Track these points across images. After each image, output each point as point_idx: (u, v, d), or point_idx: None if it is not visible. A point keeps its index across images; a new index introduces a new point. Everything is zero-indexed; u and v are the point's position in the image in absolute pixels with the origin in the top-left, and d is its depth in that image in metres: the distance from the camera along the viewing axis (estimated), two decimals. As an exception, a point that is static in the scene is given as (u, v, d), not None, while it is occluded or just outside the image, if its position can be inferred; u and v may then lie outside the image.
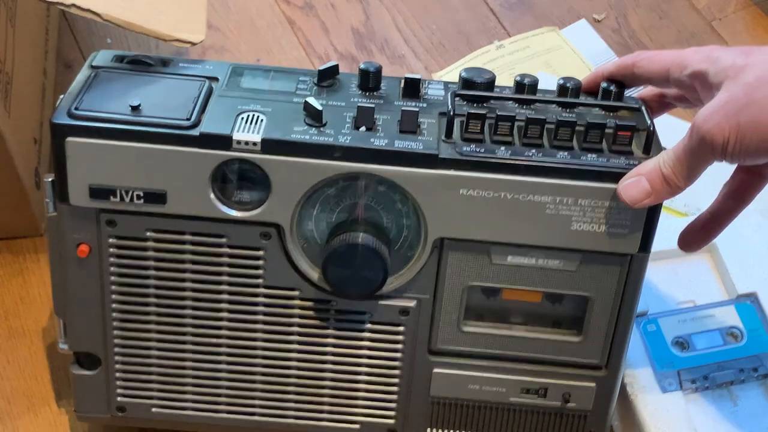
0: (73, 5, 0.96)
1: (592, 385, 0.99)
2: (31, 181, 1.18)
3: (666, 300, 1.12)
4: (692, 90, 0.89)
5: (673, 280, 1.12)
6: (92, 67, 0.95)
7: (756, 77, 0.81)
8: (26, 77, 1.22)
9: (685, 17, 1.54)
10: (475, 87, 0.93)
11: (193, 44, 1.04)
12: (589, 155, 0.89)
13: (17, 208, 1.19)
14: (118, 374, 1.00)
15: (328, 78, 0.95)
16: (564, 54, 1.43)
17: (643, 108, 0.92)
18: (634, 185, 0.86)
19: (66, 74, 1.39)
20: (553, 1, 1.54)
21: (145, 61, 0.96)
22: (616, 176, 0.88)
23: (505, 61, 1.42)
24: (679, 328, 1.09)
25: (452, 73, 1.41)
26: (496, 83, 0.94)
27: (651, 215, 0.90)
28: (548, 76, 1.38)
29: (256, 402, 1.01)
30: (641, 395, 1.04)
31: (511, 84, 0.95)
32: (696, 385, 1.05)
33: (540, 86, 0.95)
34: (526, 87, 0.93)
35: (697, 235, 0.98)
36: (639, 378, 1.04)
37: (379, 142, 0.88)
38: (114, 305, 0.96)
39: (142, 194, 0.90)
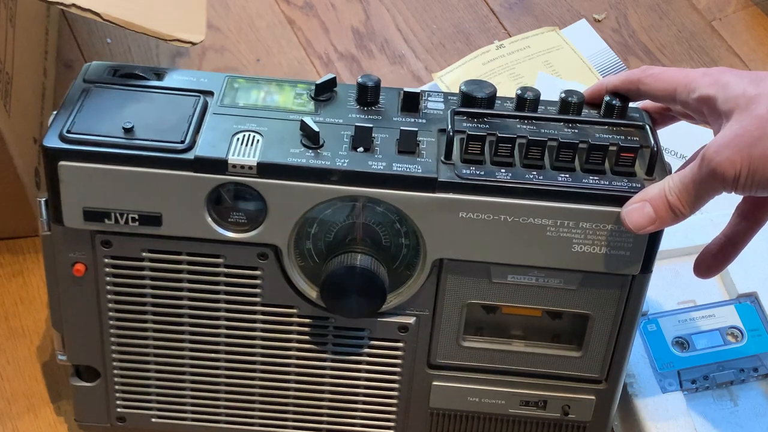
0: (73, 5, 0.96)
1: (592, 398, 0.99)
2: (31, 181, 1.18)
3: (666, 300, 1.11)
4: (699, 113, 0.88)
5: (673, 280, 1.12)
6: (85, 80, 0.94)
7: (767, 110, 0.80)
8: (26, 77, 1.22)
9: (685, 17, 1.54)
10: (475, 102, 0.92)
11: (193, 44, 1.04)
12: (591, 177, 0.88)
13: (17, 208, 1.19)
14: (117, 386, 1.00)
15: (325, 91, 0.94)
16: (564, 54, 1.43)
17: (648, 126, 0.91)
18: (638, 211, 0.85)
19: (66, 74, 1.38)
20: (553, 1, 1.54)
21: (138, 74, 0.94)
22: (618, 199, 0.87)
23: (505, 61, 1.42)
24: (679, 328, 1.09)
25: (452, 73, 1.41)
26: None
27: (653, 238, 0.89)
28: (548, 76, 1.38)
29: (255, 414, 1.01)
30: (641, 395, 1.04)
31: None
32: (696, 385, 1.05)
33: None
34: (527, 101, 0.92)
35: (714, 260, 0.97)
36: (639, 378, 1.05)
37: (377, 165, 0.87)
38: (111, 322, 0.96)
39: (137, 217, 0.89)
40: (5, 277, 1.20)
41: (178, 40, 1.02)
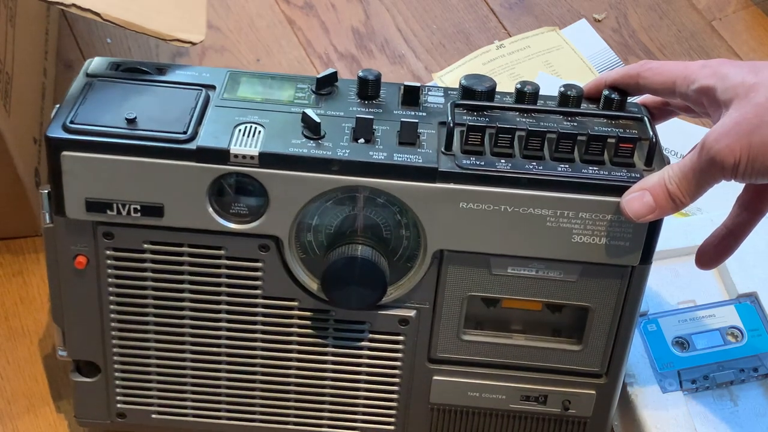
0: (73, 5, 0.96)
1: (592, 392, 0.98)
2: (31, 181, 1.18)
3: (666, 300, 1.11)
4: (699, 104, 0.88)
5: (673, 280, 1.12)
6: (87, 75, 0.94)
7: (766, 98, 0.81)
8: (26, 77, 1.22)
9: (685, 17, 1.54)
10: (475, 96, 0.92)
11: (193, 44, 1.04)
12: (591, 168, 0.88)
13: (17, 208, 1.19)
14: (117, 382, 1.00)
15: (326, 86, 0.94)
16: (564, 54, 1.43)
17: (646, 118, 0.91)
18: (638, 200, 0.85)
19: (66, 74, 1.38)
20: (553, 1, 1.54)
21: (140, 69, 0.95)
22: (617, 189, 0.87)
23: (505, 61, 1.42)
24: (679, 328, 1.08)
25: (452, 73, 1.41)
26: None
27: (652, 228, 0.89)
28: (548, 76, 1.38)
29: (257, 409, 1.01)
30: (641, 395, 1.03)
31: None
32: (696, 385, 1.05)
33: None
34: (527, 95, 0.92)
35: (715, 252, 0.97)
36: (639, 378, 1.04)
37: (378, 156, 0.87)
38: (112, 315, 0.96)
39: (138, 207, 0.89)
40: (5, 277, 1.20)
41: (178, 40, 1.02)
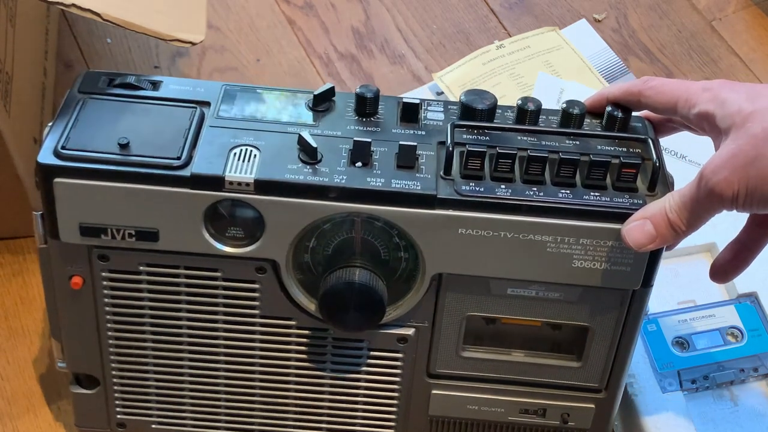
0: (73, 5, 0.96)
1: (591, 406, 0.99)
2: (31, 181, 1.16)
3: (666, 300, 1.12)
4: (700, 128, 0.88)
5: (673, 280, 1.13)
6: (80, 91, 0.93)
7: (763, 128, 0.80)
8: (26, 77, 1.22)
9: (685, 17, 1.53)
10: (476, 114, 0.91)
11: (193, 44, 1.03)
12: (592, 193, 0.87)
13: (17, 208, 1.19)
14: (117, 394, 1.00)
15: (323, 102, 0.93)
16: (564, 54, 1.43)
17: (650, 140, 0.90)
18: (639, 229, 0.85)
19: (66, 74, 1.38)
20: (553, 1, 1.54)
21: (134, 85, 0.93)
22: (619, 216, 0.86)
23: (505, 61, 1.42)
24: (679, 328, 1.09)
25: (452, 73, 1.41)
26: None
27: (654, 252, 0.88)
28: (548, 76, 1.38)
29: (255, 425, 1.01)
30: (641, 395, 1.04)
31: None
32: (696, 385, 1.05)
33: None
34: (528, 113, 0.91)
35: (731, 265, 0.97)
36: (639, 378, 1.05)
37: (375, 182, 0.86)
38: (110, 333, 0.95)
39: (133, 232, 0.88)
40: (5, 277, 1.20)
41: (178, 40, 1.02)
